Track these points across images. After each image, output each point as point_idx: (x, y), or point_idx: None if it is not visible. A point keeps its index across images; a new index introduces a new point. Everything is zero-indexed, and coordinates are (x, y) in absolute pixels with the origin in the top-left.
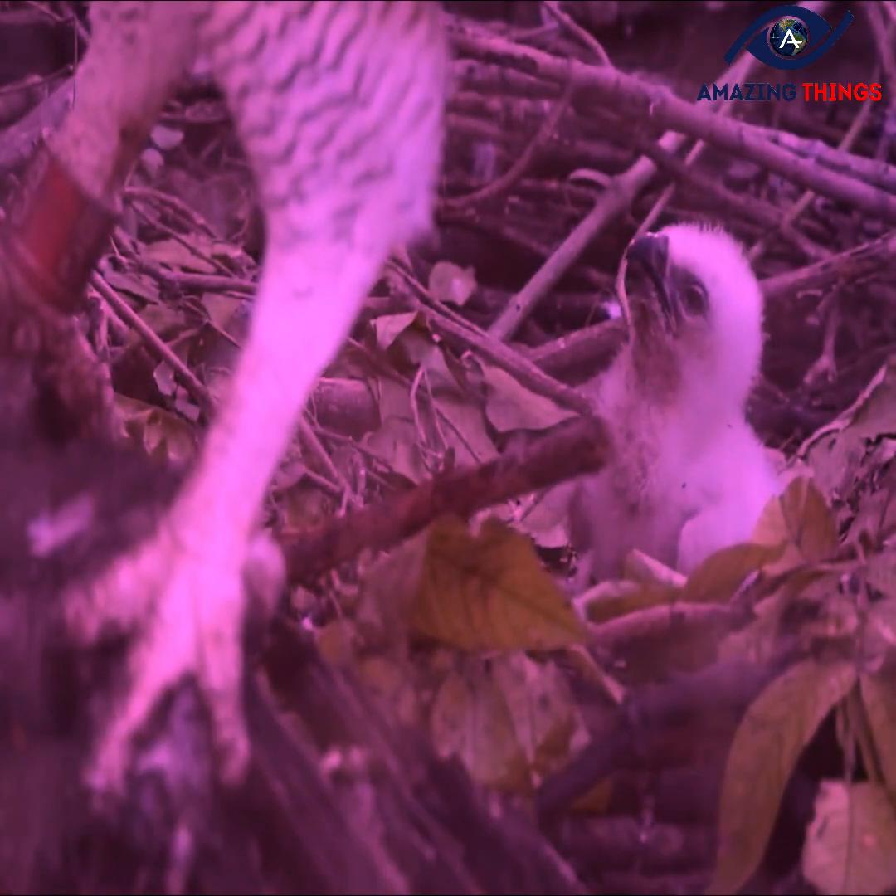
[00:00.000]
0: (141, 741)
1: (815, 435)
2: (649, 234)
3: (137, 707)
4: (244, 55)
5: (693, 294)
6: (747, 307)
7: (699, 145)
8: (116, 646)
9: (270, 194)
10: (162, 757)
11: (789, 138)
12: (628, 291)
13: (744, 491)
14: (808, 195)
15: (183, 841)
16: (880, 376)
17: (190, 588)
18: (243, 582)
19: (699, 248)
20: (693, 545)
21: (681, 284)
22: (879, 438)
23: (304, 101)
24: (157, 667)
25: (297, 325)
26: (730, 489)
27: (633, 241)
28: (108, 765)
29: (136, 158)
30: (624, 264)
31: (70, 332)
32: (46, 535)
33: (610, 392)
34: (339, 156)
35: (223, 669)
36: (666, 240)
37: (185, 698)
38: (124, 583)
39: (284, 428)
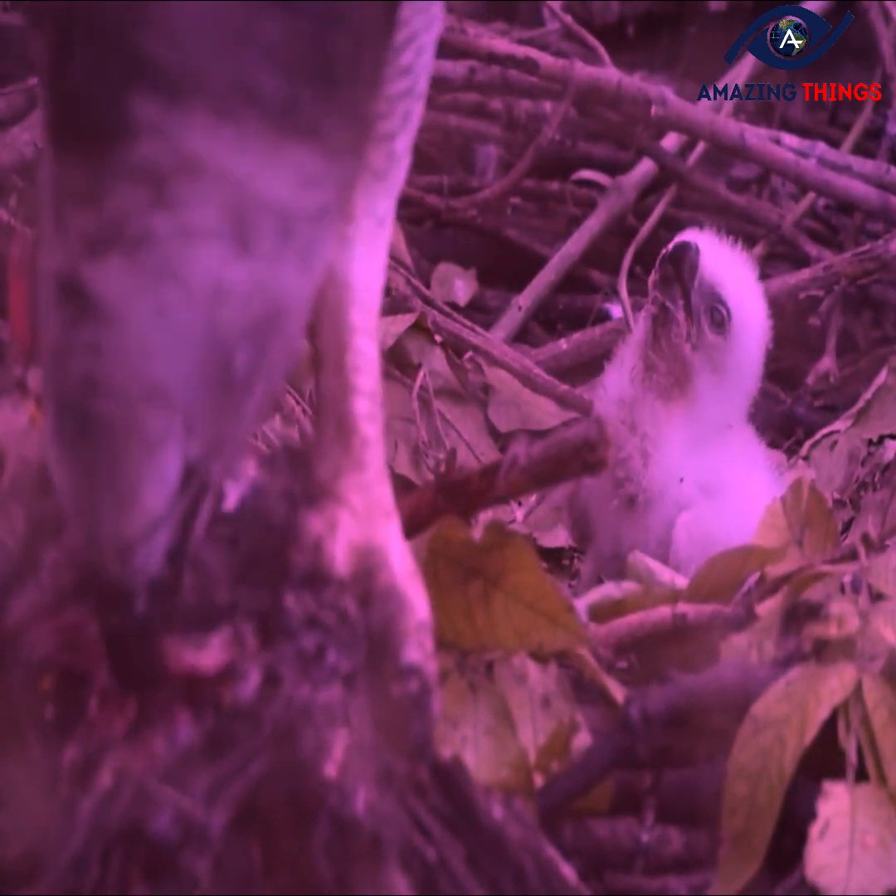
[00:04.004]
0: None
1: (817, 436)
2: (684, 238)
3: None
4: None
5: (716, 312)
6: (761, 328)
7: (701, 146)
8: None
9: (384, 132)
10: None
11: (791, 139)
12: (655, 287)
13: (740, 488)
14: (810, 196)
15: None
16: (882, 377)
17: (393, 540)
18: None
19: (725, 265)
20: (686, 536)
21: (706, 300)
22: (881, 439)
23: (429, 36)
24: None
25: (380, 258)
26: (726, 486)
27: (670, 246)
28: (411, 654)
29: None
30: (656, 267)
31: None
32: (232, 491)
33: (612, 385)
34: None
35: (424, 603)
36: (697, 250)
37: None
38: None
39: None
